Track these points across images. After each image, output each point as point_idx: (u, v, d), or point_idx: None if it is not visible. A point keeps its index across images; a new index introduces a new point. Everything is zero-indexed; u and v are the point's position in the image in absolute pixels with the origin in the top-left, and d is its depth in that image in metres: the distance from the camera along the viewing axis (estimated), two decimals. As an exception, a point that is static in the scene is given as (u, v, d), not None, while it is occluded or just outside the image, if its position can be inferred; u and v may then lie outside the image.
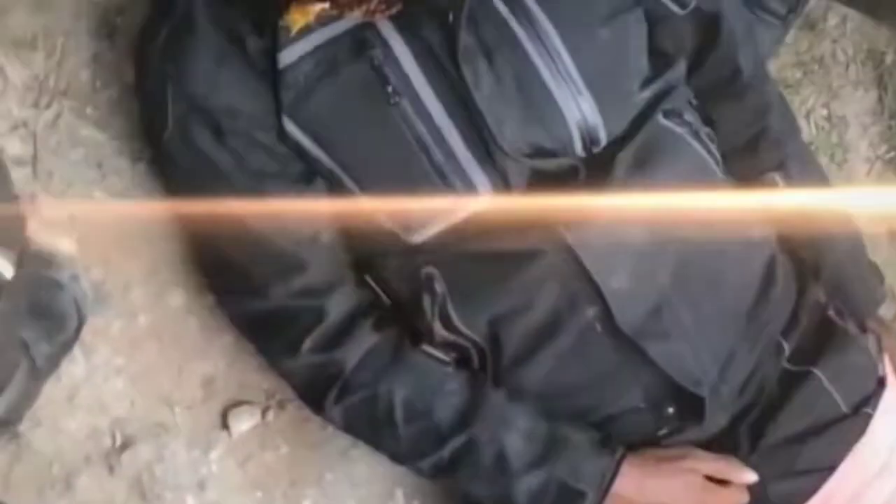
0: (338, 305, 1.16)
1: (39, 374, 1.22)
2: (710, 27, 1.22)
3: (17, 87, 1.26)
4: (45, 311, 1.21)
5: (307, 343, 1.16)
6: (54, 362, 1.23)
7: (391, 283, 1.18)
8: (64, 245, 1.27)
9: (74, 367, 1.26)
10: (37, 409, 1.22)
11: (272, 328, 1.18)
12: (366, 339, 1.17)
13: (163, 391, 1.29)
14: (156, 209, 1.30)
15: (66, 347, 1.24)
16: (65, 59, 1.27)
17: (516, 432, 1.16)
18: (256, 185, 1.12)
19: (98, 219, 1.29)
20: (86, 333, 1.25)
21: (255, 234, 1.13)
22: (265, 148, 1.12)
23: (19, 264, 1.22)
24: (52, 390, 1.25)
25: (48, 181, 1.27)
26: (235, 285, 1.19)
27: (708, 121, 1.25)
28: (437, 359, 1.18)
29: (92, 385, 1.27)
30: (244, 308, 1.20)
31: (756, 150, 1.29)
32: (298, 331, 1.16)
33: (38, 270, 1.22)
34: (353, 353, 1.16)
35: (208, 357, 1.30)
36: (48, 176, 1.27)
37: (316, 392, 1.19)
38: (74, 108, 1.27)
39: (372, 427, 1.19)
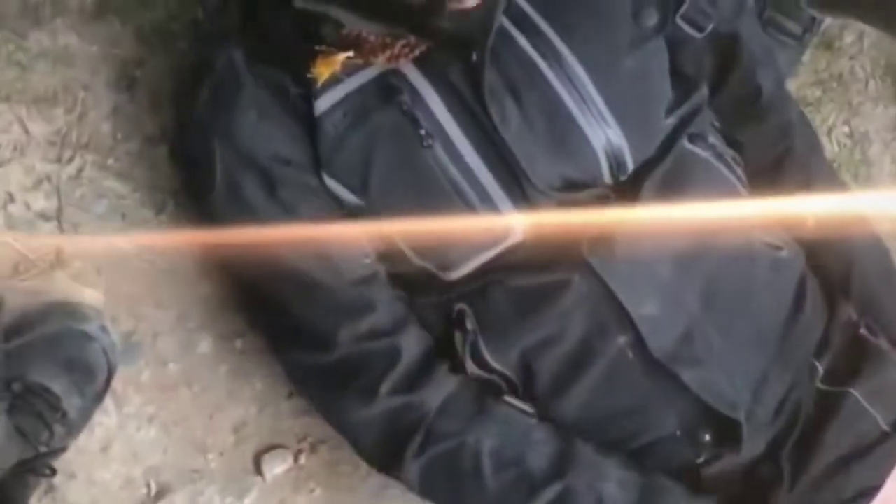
0: (411, 345, 1.14)
1: (72, 426, 1.22)
2: (728, 49, 1.22)
3: (39, 142, 1.27)
4: (75, 364, 1.21)
5: (385, 386, 1.12)
6: (86, 414, 1.24)
7: (426, 320, 1.18)
8: (91, 297, 1.28)
9: (106, 417, 1.27)
10: (71, 461, 1.23)
11: (343, 378, 1.14)
12: (445, 383, 1.15)
13: (195, 438, 1.29)
14: (179, 258, 1.30)
15: (98, 399, 1.25)
16: (86, 113, 1.29)
17: (612, 480, 1.14)
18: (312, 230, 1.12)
19: (124, 269, 1.29)
20: (116, 383, 1.26)
21: (314, 281, 1.12)
22: (316, 194, 1.12)
23: (45, 318, 1.24)
24: (85, 442, 1.25)
25: (73, 234, 1.28)
26: (299, 340, 1.16)
27: (732, 143, 1.25)
28: (518, 408, 1.16)
29: (125, 435, 1.27)
30: (312, 362, 1.16)
31: (781, 171, 1.28)
32: (373, 375, 1.13)
33: (67, 323, 1.23)
34: (434, 397, 1.14)
35: (239, 402, 1.30)
36: (73, 229, 1.28)
37: (395, 443, 1.14)
38: (97, 160, 1.29)
39: (454, 481, 1.15)
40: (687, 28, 1.18)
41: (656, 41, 1.15)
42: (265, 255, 1.12)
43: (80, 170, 1.28)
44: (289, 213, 1.11)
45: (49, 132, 1.28)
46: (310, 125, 1.09)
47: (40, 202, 1.27)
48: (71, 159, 1.28)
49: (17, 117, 1.27)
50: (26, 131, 1.27)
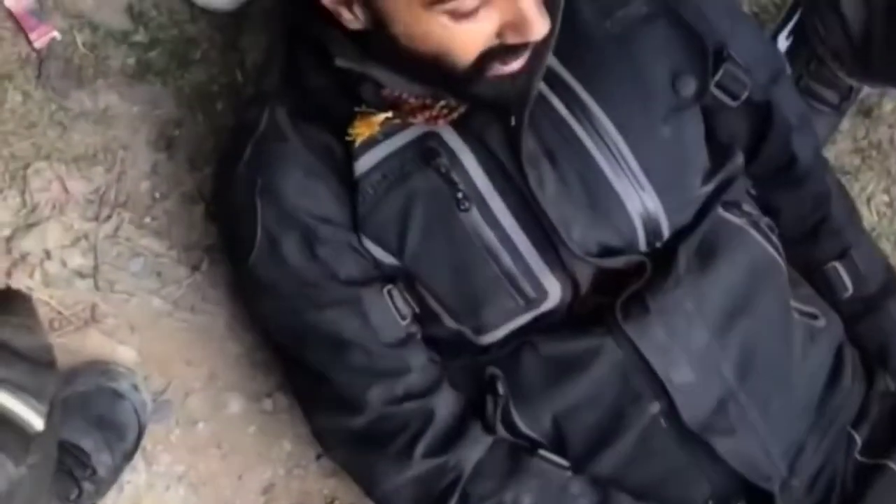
0: (445, 406, 1.13)
1: (101, 484, 1.22)
2: (763, 117, 1.22)
3: (78, 200, 1.29)
4: (105, 422, 1.22)
5: (419, 448, 1.11)
6: (116, 472, 1.24)
7: (458, 383, 1.17)
8: (124, 355, 1.29)
9: (136, 476, 1.27)
10: (100, 520, 1.23)
11: (376, 441, 1.13)
12: (480, 441, 1.13)
13: (224, 498, 1.29)
14: (212, 317, 1.31)
15: (128, 457, 1.25)
16: (124, 172, 1.30)
17: None
18: (350, 294, 1.11)
19: (157, 327, 1.30)
20: (146, 442, 1.27)
21: (351, 343, 1.11)
22: (355, 253, 1.11)
23: (78, 375, 1.24)
24: (114, 500, 1.25)
25: (109, 292, 1.29)
26: (332, 403, 1.15)
27: (768, 210, 1.24)
28: (553, 462, 1.14)
29: (154, 494, 1.27)
30: (345, 425, 1.14)
31: (817, 239, 1.27)
32: (408, 437, 1.12)
33: (98, 381, 1.23)
34: (469, 457, 1.12)
35: (268, 463, 1.30)
36: (109, 286, 1.29)
37: None
38: (134, 219, 1.30)
39: None
40: (721, 96, 1.17)
41: (693, 109, 1.15)
42: (301, 314, 1.12)
43: (117, 228, 1.30)
44: (328, 272, 1.11)
45: (88, 191, 1.30)
46: (350, 185, 1.10)
47: (77, 260, 1.29)
48: (108, 217, 1.29)
49: (56, 176, 1.29)
50: (66, 190, 1.29)
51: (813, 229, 1.26)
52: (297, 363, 1.16)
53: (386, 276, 1.13)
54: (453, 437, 1.12)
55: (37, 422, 0.82)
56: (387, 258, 1.11)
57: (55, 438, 0.90)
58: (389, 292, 1.11)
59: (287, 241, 1.10)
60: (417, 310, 1.13)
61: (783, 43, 1.43)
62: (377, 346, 1.11)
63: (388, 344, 1.12)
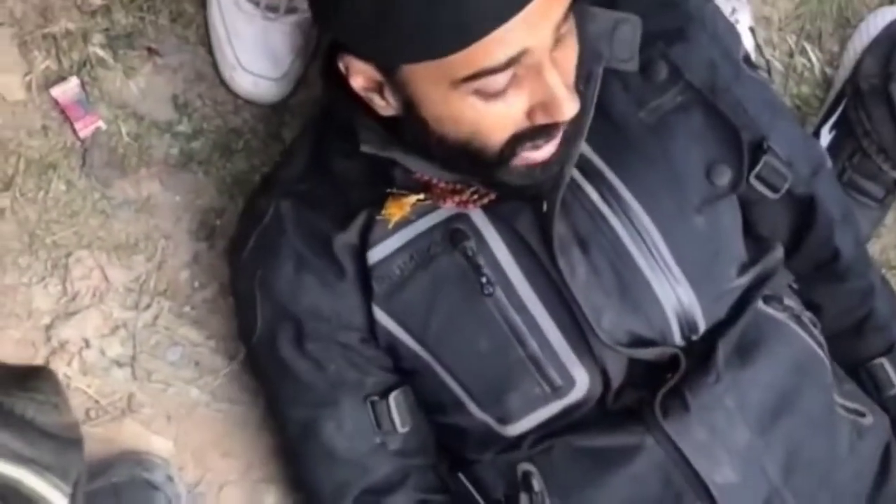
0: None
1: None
2: (804, 210, 1.21)
3: (118, 289, 1.30)
4: (139, 514, 1.20)
5: None
6: (148, 565, 1.22)
7: (486, 481, 1.15)
8: (160, 445, 1.28)
9: (168, 569, 1.25)
10: None
11: None
12: None
13: None
14: (249, 407, 1.30)
15: (161, 549, 1.23)
16: (165, 260, 1.31)
17: None
18: (332, 395, 1.14)
19: (194, 418, 1.29)
20: (180, 535, 1.25)
21: (324, 447, 1.15)
22: (346, 353, 1.13)
23: (113, 466, 1.23)
24: None
25: (146, 381, 1.29)
26: (311, 499, 1.20)
27: (809, 305, 1.22)
28: None
29: (185, 589, 1.25)
30: None
31: (861, 335, 1.25)
32: None
33: (132, 472, 1.22)
34: None
35: (302, 559, 1.28)
36: (146, 376, 1.29)
37: None
38: (173, 308, 1.30)
39: None
40: (762, 188, 1.16)
41: (729, 200, 1.14)
42: (282, 404, 1.18)
43: (156, 317, 1.30)
44: (316, 367, 1.13)
45: (128, 279, 1.30)
46: (359, 275, 1.10)
47: (115, 348, 1.28)
48: (148, 306, 1.30)
49: (97, 264, 1.29)
50: (106, 278, 1.29)
51: (857, 325, 1.24)
52: (287, 452, 1.24)
53: (382, 383, 1.14)
54: None
55: (61, 501, 0.81)
56: (406, 339, 1.11)
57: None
58: (374, 403, 1.13)
59: (280, 333, 1.13)
60: (441, 396, 1.12)
61: (826, 136, 1.43)
62: (346, 452, 1.14)
63: (358, 451, 1.14)
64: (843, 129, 1.43)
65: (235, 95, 1.32)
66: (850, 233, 1.24)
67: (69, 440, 0.84)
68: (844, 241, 1.23)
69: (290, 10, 1.29)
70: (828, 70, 1.44)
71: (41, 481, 0.80)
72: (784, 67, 1.43)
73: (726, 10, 1.33)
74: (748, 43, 1.37)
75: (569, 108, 0.95)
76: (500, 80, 0.92)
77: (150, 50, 1.31)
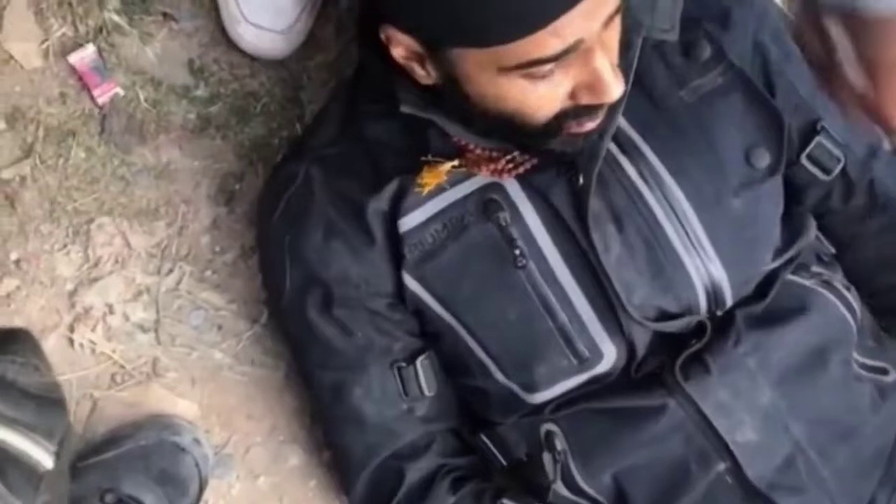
0: (418, 470, 1.17)
1: (163, 538, 1.22)
2: (862, 193, 1.18)
3: (140, 255, 1.30)
4: (168, 477, 1.22)
5: None
6: (177, 527, 1.24)
7: (508, 442, 1.16)
8: (185, 408, 1.29)
9: (197, 530, 1.26)
10: (161, 575, 1.23)
11: (371, 498, 1.19)
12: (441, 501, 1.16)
13: (284, 552, 1.29)
14: (272, 370, 1.31)
15: (189, 511, 1.25)
16: (186, 226, 1.31)
17: None
18: (360, 360, 1.15)
19: (218, 381, 1.30)
20: (208, 496, 1.26)
21: (353, 411, 1.16)
22: (374, 319, 1.14)
23: (140, 429, 1.25)
24: (175, 554, 1.25)
25: (170, 345, 1.30)
26: (340, 460, 1.22)
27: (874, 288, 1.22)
28: None
29: (215, 548, 1.27)
30: (352, 485, 1.20)
31: None
32: (385, 496, 1.17)
33: (160, 435, 1.24)
34: None
35: (328, 517, 1.30)
36: (170, 340, 1.30)
37: None
38: (195, 272, 1.31)
39: None
40: (813, 169, 1.15)
41: (770, 183, 1.12)
42: (311, 367, 1.18)
43: (178, 282, 1.30)
44: (344, 331, 1.14)
45: (150, 245, 1.30)
46: (390, 241, 1.10)
47: (139, 313, 1.29)
48: (170, 271, 1.30)
49: (119, 231, 1.29)
50: (128, 244, 1.30)
51: None
52: (315, 414, 1.27)
53: (417, 336, 1.15)
54: (418, 500, 1.16)
55: (46, 461, 0.82)
56: (436, 306, 1.11)
57: (66, 477, 0.90)
58: (401, 369, 1.14)
59: (309, 298, 1.14)
60: (466, 359, 1.13)
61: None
62: (374, 417, 1.15)
63: (386, 416, 1.15)
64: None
65: (252, 58, 1.31)
66: None
67: (52, 400, 0.85)
68: None
69: None
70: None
71: (26, 441, 0.81)
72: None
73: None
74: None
75: (615, 89, 0.95)
76: (547, 66, 0.92)
77: (165, 15, 1.31)
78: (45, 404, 0.83)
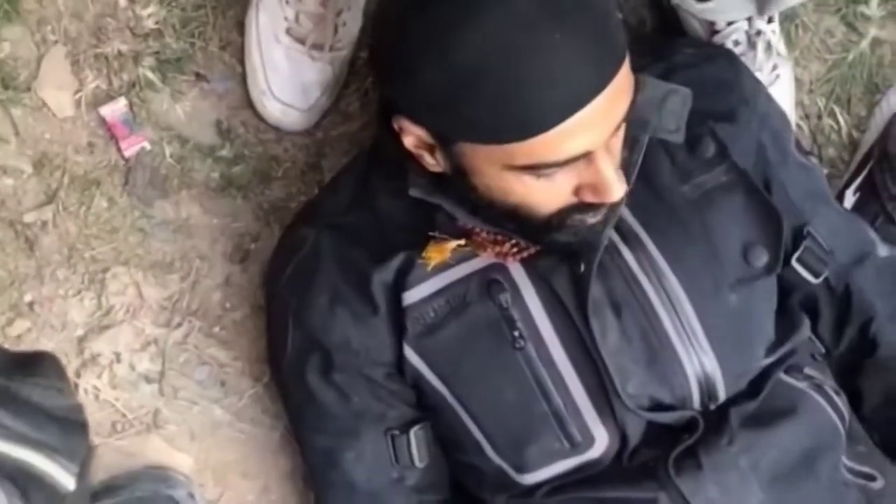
0: None
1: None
2: (842, 301, 1.21)
3: (151, 306, 1.32)
4: (160, 529, 1.23)
5: None
6: (165, 580, 1.24)
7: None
8: (182, 462, 1.30)
9: (184, 586, 1.27)
10: None
11: None
12: None
13: None
14: (269, 430, 1.33)
15: (177, 566, 1.25)
16: (199, 281, 1.33)
17: None
18: (354, 426, 1.16)
19: (216, 437, 1.32)
20: (197, 551, 1.27)
21: (344, 476, 1.16)
22: (372, 387, 1.15)
23: (137, 480, 1.26)
24: None
25: (173, 398, 1.31)
26: None
27: (856, 390, 1.23)
28: None
29: None
30: None
31: None
32: None
33: (156, 487, 1.25)
34: None
35: (314, 580, 1.30)
36: (173, 393, 1.31)
37: None
38: (203, 328, 1.33)
39: None
40: (803, 272, 1.18)
41: (766, 281, 1.15)
42: (306, 430, 1.20)
43: (186, 336, 1.32)
44: (341, 397, 1.15)
45: (162, 297, 1.32)
46: (392, 313, 1.12)
47: (145, 364, 1.31)
48: (179, 325, 1.32)
49: (133, 281, 1.32)
50: (140, 295, 1.32)
51: None
52: (309, 476, 1.26)
53: (405, 418, 1.16)
54: None
55: (68, 482, 0.83)
56: (434, 380, 1.13)
57: (87, 499, 0.91)
58: (394, 437, 1.15)
59: (309, 362, 1.15)
60: (458, 435, 1.14)
61: (850, 199, 1.44)
62: (365, 483, 1.16)
63: (376, 483, 1.16)
64: (867, 192, 1.44)
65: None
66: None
67: (74, 422, 0.86)
68: (890, 334, 1.22)
69: (333, 48, 1.32)
70: (854, 133, 1.46)
71: (50, 462, 0.82)
72: (811, 129, 1.45)
73: (768, 67, 1.36)
74: (788, 101, 1.39)
75: (616, 191, 0.97)
76: (554, 168, 0.95)
77: (197, 75, 1.35)
78: (67, 426, 0.84)
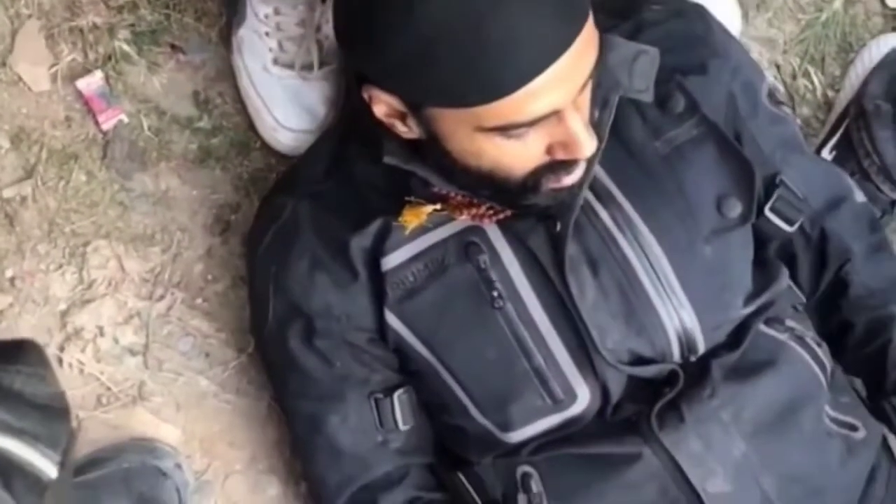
0: (391, 501, 1.18)
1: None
2: (817, 246, 1.23)
3: (133, 279, 1.32)
4: (148, 500, 1.23)
5: None
6: (154, 550, 1.25)
7: (484, 482, 1.18)
8: (168, 433, 1.30)
9: (174, 555, 1.27)
10: None
11: None
12: None
13: (258, 580, 1.30)
14: (255, 400, 1.33)
15: (168, 535, 1.26)
16: (180, 253, 1.34)
17: None
18: (338, 390, 1.17)
19: (202, 408, 1.32)
20: (186, 522, 1.27)
21: (329, 440, 1.17)
22: (353, 351, 1.16)
23: (124, 451, 1.26)
24: (150, 578, 1.26)
25: (157, 370, 1.31)
26: (315, 491, 1.23)
27: (841, 326, 1.24)
28: None
29: (190, 574, 1.28)
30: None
31: (885, 370, 1.21)
32: None
33: (143, 459, 1.25)
34: None
35: (303, 548, 1.31)
36: (158, 365, 1.31)
37: None
38: (186, 299, 1.33)
39: None
40: (777, 220, 1.19)
41: (741, 232, 1.16)
42: (289, 396, 1.20)
43: (169, 308, 1.32)
44: (324, 362, 1.16)
45: (144, 270, 1.33)
46: (372, 278, 1.13)
47: (129, 337, 1.31)
48: (162, 297, 1.32)
49: (114, 254, 1.32)
50: (122, 268, 1.32)
51: (880, 351, 1.23)
52: (293, 442, 1.27)
53: (388, 381, 1.17)
54: None
55: (51, 470, 0.83)
56: (416, 343, 1.14)
57: (69, 487, 0.91)
58: (378, 400, 1.16)
59: (291, 329, 1.16)
60: (443, 398, 1.15)
61: (827, 157, 1.46)
62: (350, 446, 1.17)
63: (362, 447, 1.17)
64: (844, 150, 1.46)
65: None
66: (873, 267, 1.24)
67: (57, 409, 0.86)
68: (864, 273, 1.23)
69: (323, 64, 1.32)
70: (829, 93, 1.47)
71: (31, 450, 0.82)
72: (787, 89, 1.46)
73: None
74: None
75: (588, 147, 0.98)
76: (523, 128, 0.96)
77: (173, 47, 1.34)
78: (50, 414, 0.84)
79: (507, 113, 0.94)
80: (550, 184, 1.02)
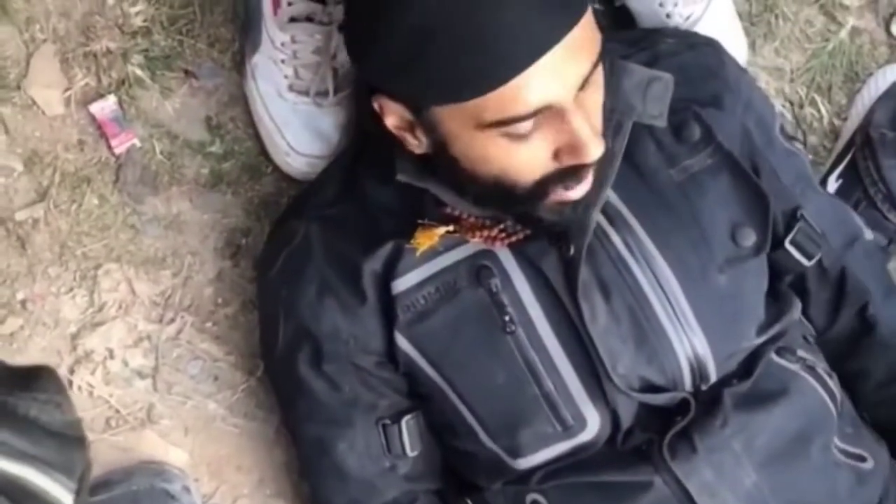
0: None
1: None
2: (837, 283, 1.23)
3: (144, 302, 1.33)
4: (156, 523, 1.23)
5: None
6: (161, 574, 1.25)
7: (493, 509, 1.19)
8: (176, 456, 1.30)
9: (180, 578, 1.27)
10: None
11: None
12: None
13: None
14: (264, 423, 1.33)
15: (174, 560, 1.26)
16: (191, 277, 1.34)
17: None
18: (345, 415, 1.17)
19: (210, 431, 1.32)
20: (193, 545, 1.27)
21: (337, 465, 1.18)
22: (362, 376, 1.16)
23: (133, 474, 1.26)
24: None
25: (166, 393, 1.32)
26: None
27: (856, 371, 1.24)
28: None
29: None
30: None
31: None
32: None
33: (152, 482, 1.25)
34: None
35: (310, 573, 1.31)
36: (167, 388, 1.32)
37: None
38: (196, 323, 1.33)
39: None
40: (797, 254, 1.19)
41: (756, 262, 1.16)
42: (297, 421, 1.21)
43: (179, 331, 1.33)
44: (331, 386, 1.16)
45: (154, 293, 1.33)
46: (382, 301, 1.13)
47: (138, 360, 1.32)
48: (172, 320, 1.33)
49: (125, 277, 1.32)
50: (133, 291, 1.32)
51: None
52: (301, 466, 1.28)
53: (396, 407, 1.17)
54: None
55: (66, 498, 0.83)
56: (426, 367, 1.14)
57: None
58: (385, 427, 1.16)
59: (299, 353, 1.17)
60: (452, 421, 1.15)
61: (833, 185, 1.46)
62: (357, 472, 1.17)
63: (369, 472, 1.17)
64: (850, 178, 1.46)
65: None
66: (892, 308, 1.25)
67: (72, 437, 0.86)
68: (885, 314, 1.24)
69: (338, 90, 1.32)
70: (836, 121, 1.48)
71: (46, 479, 0.82)
72: (794, 117, 1.47)
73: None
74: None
75: (594, 149, 0.98)
76: (525, 125, 0.96)
77: (186, 72, 1.35)
78: (65, 442, 0.84)
79: (505, 105, 0.94)
80: (558, 194, 1.02)
